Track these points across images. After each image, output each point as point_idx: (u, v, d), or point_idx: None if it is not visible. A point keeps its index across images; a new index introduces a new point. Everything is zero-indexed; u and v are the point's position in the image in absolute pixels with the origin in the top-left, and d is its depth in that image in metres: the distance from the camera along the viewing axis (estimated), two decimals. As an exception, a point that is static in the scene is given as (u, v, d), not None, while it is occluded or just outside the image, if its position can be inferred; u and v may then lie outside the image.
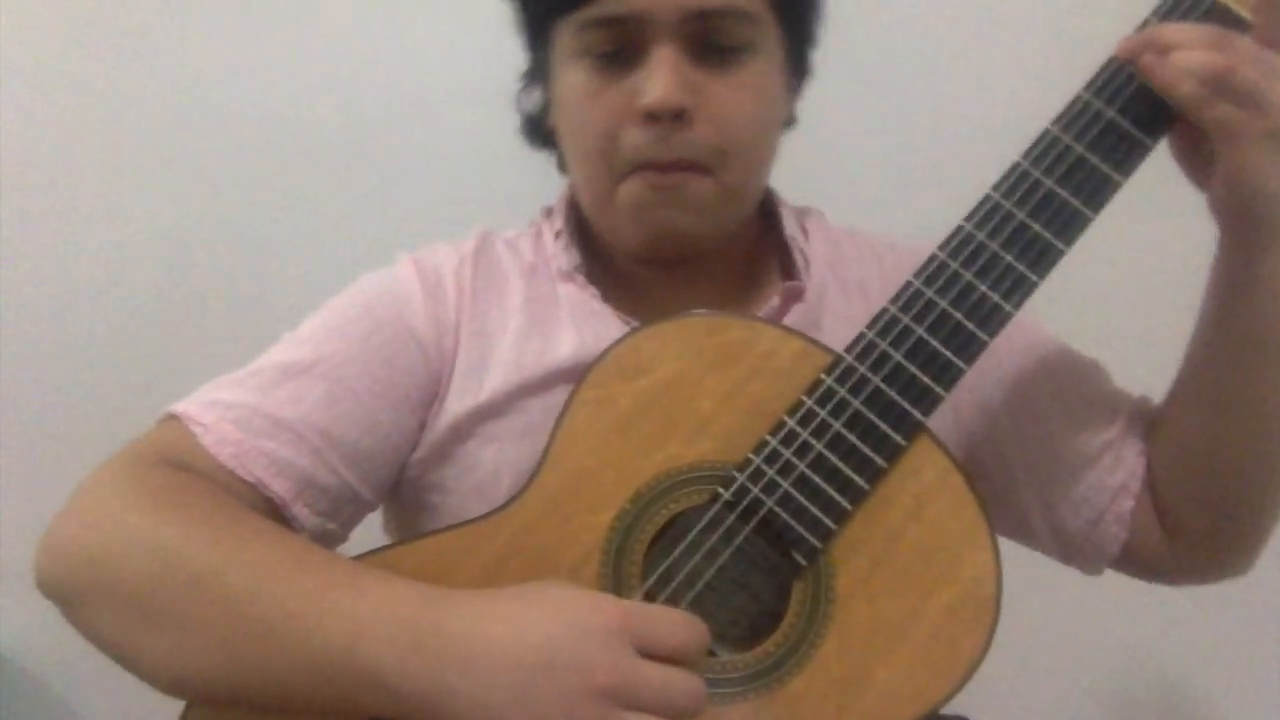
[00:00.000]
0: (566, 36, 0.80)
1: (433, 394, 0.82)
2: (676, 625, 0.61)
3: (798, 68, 0.87)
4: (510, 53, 0.89)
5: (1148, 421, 0.84)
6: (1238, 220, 0.71)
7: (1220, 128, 0.66)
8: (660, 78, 0.76)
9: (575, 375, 0.75)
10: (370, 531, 0.86)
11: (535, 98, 0.90)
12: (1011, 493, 0.85)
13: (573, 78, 0.81)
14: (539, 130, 0.91)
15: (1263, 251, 0.71)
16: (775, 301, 0.84)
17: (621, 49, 0.77)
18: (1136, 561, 0.84)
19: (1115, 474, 0.82)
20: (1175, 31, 0.68)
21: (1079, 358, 0.88)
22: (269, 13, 1.49)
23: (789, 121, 0.89)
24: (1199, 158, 0.71)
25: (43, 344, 1.51)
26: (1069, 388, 0.85)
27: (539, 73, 0.88)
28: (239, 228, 1.51)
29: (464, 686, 0.59)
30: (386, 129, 1.49)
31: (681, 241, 0.83)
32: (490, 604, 0.62)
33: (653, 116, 0.76)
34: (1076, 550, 0.85)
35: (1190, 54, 0.66)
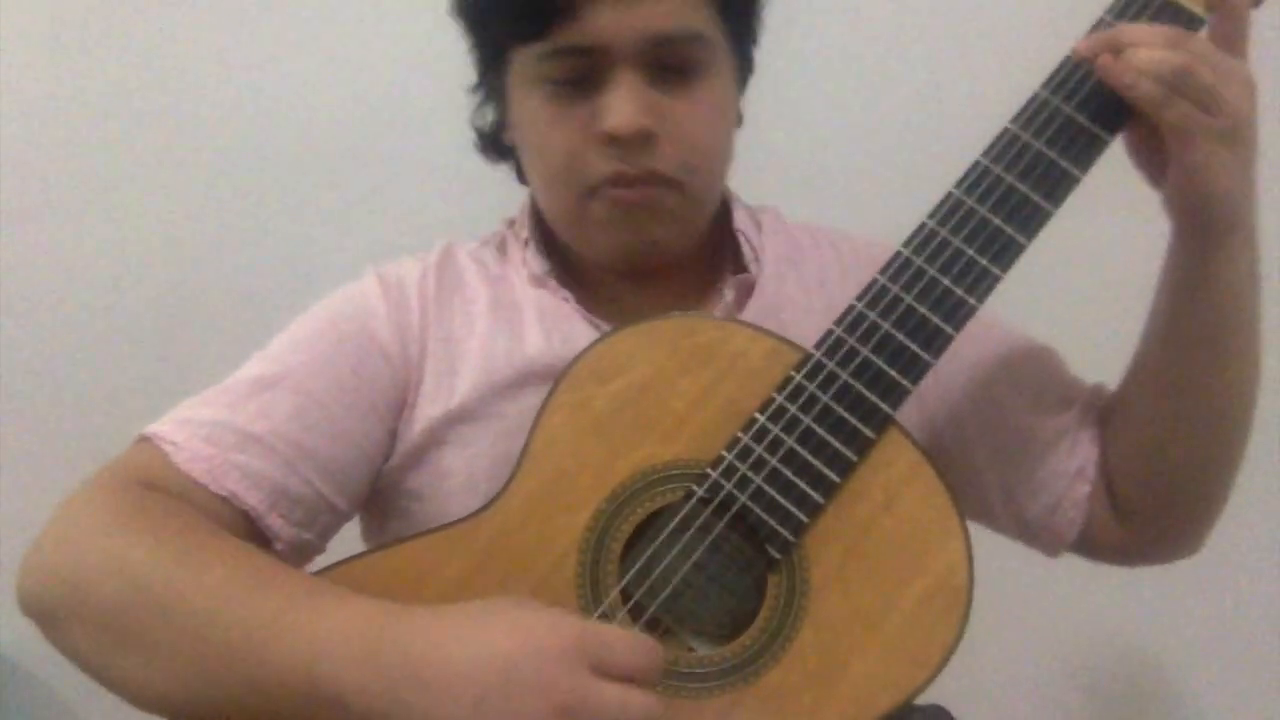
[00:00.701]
0: (524, 64, 0.81)
1: (401, 402, 0.83)
2: (632, 646, 0.61)
3: (743, 70, 0.89)
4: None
5: (1102, 408, 0.86)
6: (1191, 218, 0.73)
7: (1175, 127, 0.68)
8: (622, 103, 0.77)
9: (545, 374, 0.76)
10: (351, 541, 0.86)
11: (487, 114, 0.91)
12: (973, 478, 0.86)
13: (532, 103, 0.82)
14: (495, 145, 0.92)
15: (1215, 249, 0.73)
16: (729, 295, 0.86)
17: (580, 75, 0.78)
18: (1091, 544, 0.86)
19: (1072, 460, 0.84)
20: (1132, 31, 0.69)
21: (1036, 346, 0.90)
22: (268, 14, 1.49)
23: (738, 122, 0.91)
24: (1154, 155, 0.73)
25: (43, 344, 1.51)
26: (1027, 376, 0.87)
27: (493, 93, 0.89)
28: (238, 228, 1.51)
29: (421, 705, 0.59)
30: (386, 130, 1.49)
31: (655, 250, 0.84)
32: (449, 623, 0.62)
33: (617, 141, 0.78)
34: (1035, 534, 0.87)
35: (1148, 52, 0.67)
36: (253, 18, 1.49)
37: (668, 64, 0.78)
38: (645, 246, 0.83)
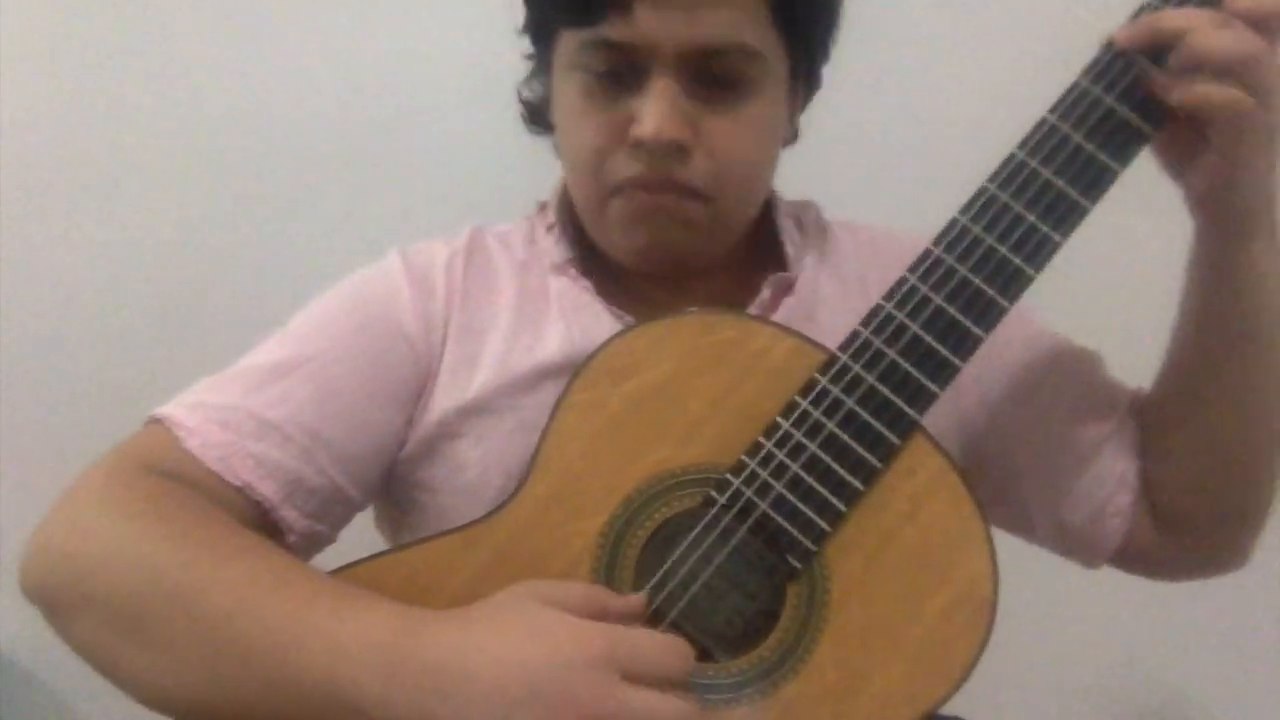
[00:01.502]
0: (569, 48, 0.78)
1: (420, 390, 0.81)
2: (661, 650, 0.60)
3: (807, 86, 0.86)
4: (508, 52, 0.88)
5: (1140, 414, 0.84)
6: (1218, 211, 0.70)
7: (1231, 105, 0.65)
8: (656, 110, 0.74)
9: (563, 372, 0.74)
10: (365, 532, 0.86)
11: (536, 88, 0.89)
12: (1013, 488, 0.84)
13: (570, 88, 0.79)
14: (540, 118, 0.89)
15: (1246, 240, 0.71)
16: (766, 294, 0.83)
17: (621, 70, 0.76)
18: (1132, 556, 0.84)
19: (1114, 468, 0.82)
20: (1177, 16, 0.66)
21: (1078, 349, 0.87)
22: (268, 13, 1.47)
23: (790, 139, 0.88)
24: (1184, 148, 0.69)
25: (43, 344, 1.51)
26: (1070, 381, 0.85)
27: (542, 67, 0.86)
28: (239, 227, 1.50)
29: (443, 714, 0.58)
30: (386, 128, 1.47)
31: (672, 255, 0.81)
32: (470, 628, 0.61)
33: (645, 149, 0.75)
34: (1076, 544, 0.84)
35: (1208, 39, 0.64)
36: (253, 17, 1.47)
37: (713, 75, 0.75)
38: (662, 252, 0.81)
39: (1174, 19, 0.66)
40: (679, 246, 0.81)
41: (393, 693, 0.59)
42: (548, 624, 0.60)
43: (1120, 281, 1.26)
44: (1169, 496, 0.81)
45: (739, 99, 0.77)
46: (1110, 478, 0.82)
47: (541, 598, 0.63)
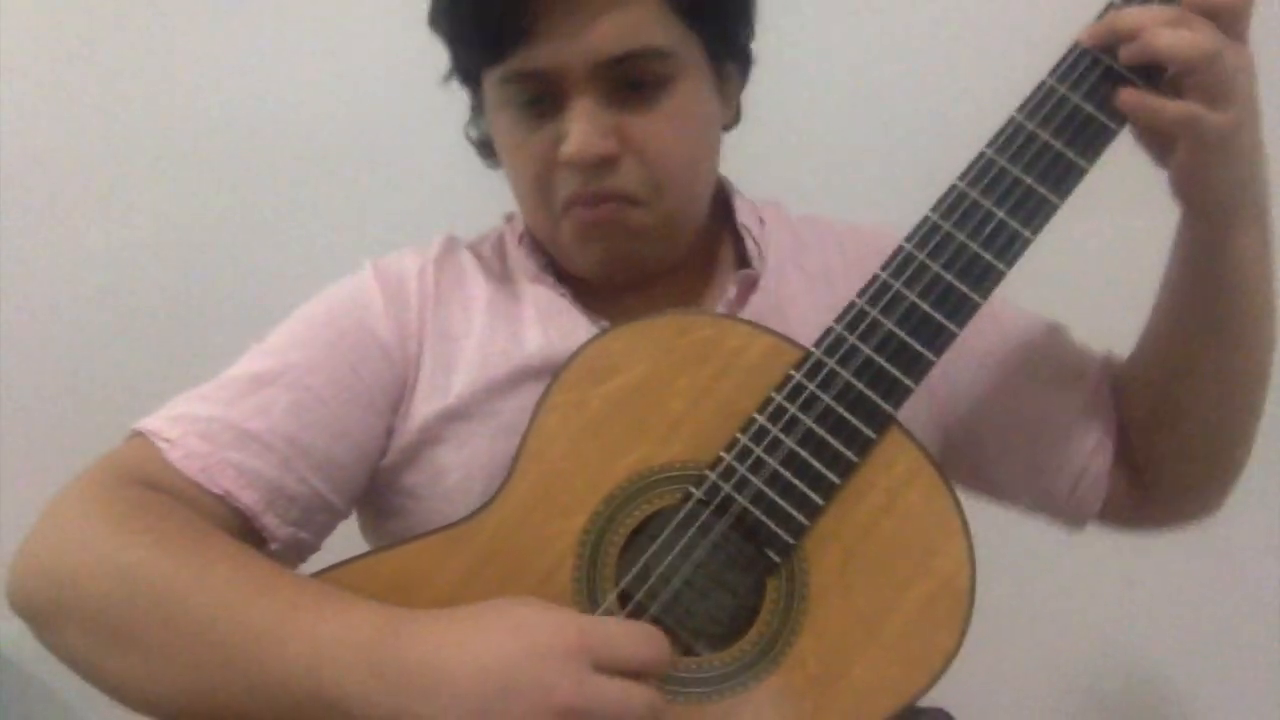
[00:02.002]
0: (491, 85, 0.80)
1: (398, 398, 0.82)
2: (636, 640, 0.61)
3: (738, 67, 0.86)
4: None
5: (1114, 378, 0.86)
6: (1195, 201, 0.72)
7: (1183, 121, 0.66)
8: (577, 130, 0.75)
9: (542, 373, 0.75)
10: (350, 539, 0.86)
11: (480, 126, 0.90)
12: (992, 464, 0.86)
13: (502, 125, 0.81)
14: (490, 152, 0.90)
15: (1226, 229, 0.72)
16: (732, 291, 0.84)
17: (542, 96, 0.77)
18: (1112, 513, 0.86)
19: (1090, 434, 0.85)
20: (1135, 15, 0.67)
21: (1043, 324, 0.89)
22: (268, 14, 1.47)
23: (732, 122, 0.89)
24: (1157, 141, 0.71)
25: (43, 344, 1.50)
26: (1038, 357, 0.87)
27: (478, 108, 0.88)
28: (238, 228, 1.50)
29: (425, 712, 0.59)
30: (385, 130, 1.48)
31: (630, 265, 0.83)
32: (450, 627, 0.62)
33: (575, 167, 0.76)
34: (1059, 511, 0.87)
35: (1172, 34, 0.65)
36: (252, 17, 1.47)
37: (627, 81, 0.76)
38: (620, 263, 0.82)
39: (1131, 18, 0.67)
40: (636, 254, 0.82)
41: (375, 692, 0.59)
42: (525, 618, 0.61)
43: (1102, 274, 1.27)
44: (1145, 458, 0.84)
45: (657, 98, 0.77)
46: (1086, 445, 0.84)
47: (524, 600, 0.64)
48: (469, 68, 0.82)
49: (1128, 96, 0.68)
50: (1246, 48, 0.68)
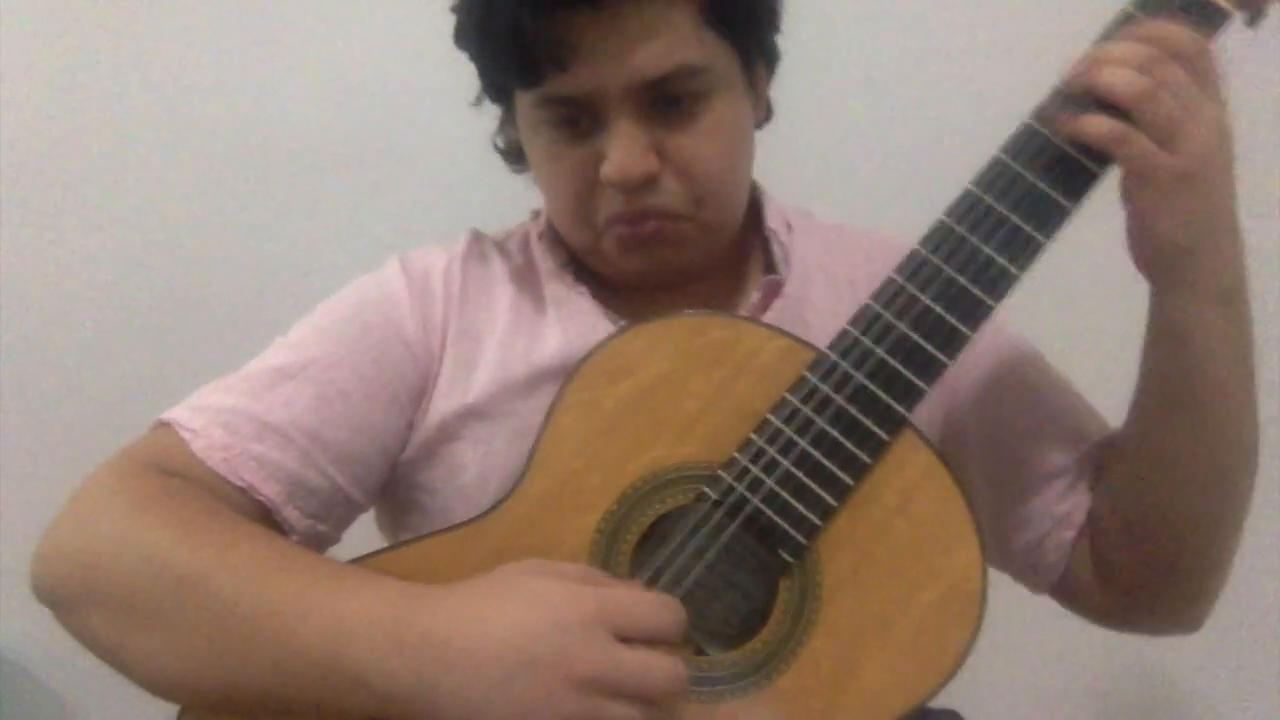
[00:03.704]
0: (525, 106, 0.80)
1: (420, 393, 0.83)
2: (653, 608, 0.62)
3: (767, 64, 0.86)
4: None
5: (1102, 460, 0.82)
6: (1150, 269, 0.69)
7: (1133, 162, 0.65)
8: (619, 151, 0.75)
9: (560, 375, 0.75)
10: (368, 532, 0.87)
11: (508, 135, 0.90)
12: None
13: (538, 144, 0.81)
14: (519, 158, 0.90)
15: (1175, 303, 0.69)
16: (756, 296, 0.85)
17: (578, 117, 0.77)
18: (1073, 596, 0.83)
19: (1063, 503, 0.81)
20: (1108, 51, 0.66)
21: (1054, 374, 0.86)
22: (268, 14, 1.48)
23: (764, 118, 0.89)
24: (1128, 179, 0.68)
25: (43, 344, 1.52)
26: (1037, 402, 0.84)
27: (509, 120, 0.87)
28: (239, 228, 1.51)
29: (446, 685, 0.59)
30: (385, 129, 1.48)
31: (672, 271, 0.83)
32: (468, 600, 0.63)
33: (617, 187, 0.76)
34: (1015, 566, 0.84)
35: (1113, 73, 0.64)
36: (253, 17, 1.48)
37: (665, 99, 0.76)
38: (660, 271, 0.82)
39: (1099, 55, 0.66)
40: (675, 262, 0.82)
41: (395, 665, 0.60)
42: (543, 590, 0.62)
43: (1120, 281, 1.26)
44: (1110, 551, 0.79)
45: (695, 114, 0.77)
46: (1057, 510, 0.81)
47: (538, 570, 0.65)
48: (500, 86, 0.82)
49: (1063, 118, 0.67)
50: (1218, 107, 0.65)
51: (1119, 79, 0.64)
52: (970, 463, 0.84)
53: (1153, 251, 0.68)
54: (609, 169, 0.76)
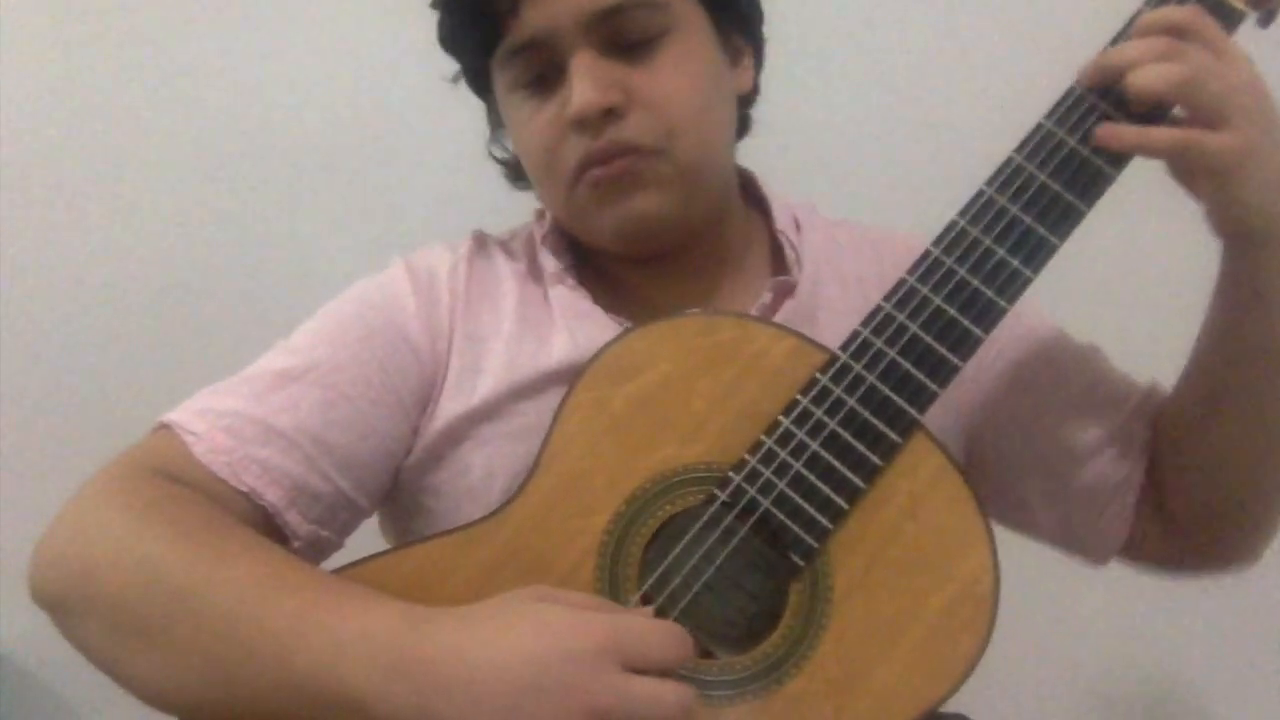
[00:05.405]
0: (498, 76, 0.81)
1: (426, 397, 0.82)
2: (661, 638, 0.61)
3: (746, 35, 0.87)
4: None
5: (1155, 414, 0.83)
6: (1223, 228, 0.70)
7: (1204, 160, 0.65)
8: (579, 85, 0.76)
9: (567, 378, 0.74)
10: (368, 535, 0.86)
11: (501, 142, 0.91)
12: (1015, 485, 0.84)
13: (514, 111, 0.82)
14: (517, 172, 0.91)
15: (1261, 261, 0.70)
16: (767, 297, 0.84)
17: (545, 71, 0.78)
18: (1137, 554, 0.84)
19: (1119, 467, 0.82)
20: (1122, 52, 0.66)
21: (1077, 344, 0.87)
22: (269, 14, 1.48)
23: (750, 96, 0.89)
24: (1185, 175, 0.69)
25: (43, 344, 1.51)
26: (1069, 376, 0.85)
27: (495, 118, 0.89)
28: (239, 229, 1.51)
29: (447, 712, 0.58)
30: (386, 130, 1.48)
31: (652, 225, 0.81)
32: (473, 625, 0.61)
33: (582, 123, 0.76)
34: (1080, 542, 0.84)
35: (1147, 73, 0.64)
36: (253, 17, 1.48)
37: (624, 36, 0.77)
38: (639, 222, 0.80)
39: (1117, 56, 0.67)
40: (656, 213, 0.80)
41: (395, 689, 0.59)
42: (550, 618, 0.60)
43: (1132, 282, 1.26)
44: (1178, 503, 0.81)
45: (655, 50, 0.78)
46: (1114, 477, 0.82)
47: (546, 597, 0.63)
48: (475, 66, 0.83)
49: (1103, 133, 0.67)
50: (1243, 66, 0.66)
51: (1153, 78, 0.64)
52: (1015, 453, 0.84)
53: (1238, 224, 0.69)
54: (573, 103, 0.76)
